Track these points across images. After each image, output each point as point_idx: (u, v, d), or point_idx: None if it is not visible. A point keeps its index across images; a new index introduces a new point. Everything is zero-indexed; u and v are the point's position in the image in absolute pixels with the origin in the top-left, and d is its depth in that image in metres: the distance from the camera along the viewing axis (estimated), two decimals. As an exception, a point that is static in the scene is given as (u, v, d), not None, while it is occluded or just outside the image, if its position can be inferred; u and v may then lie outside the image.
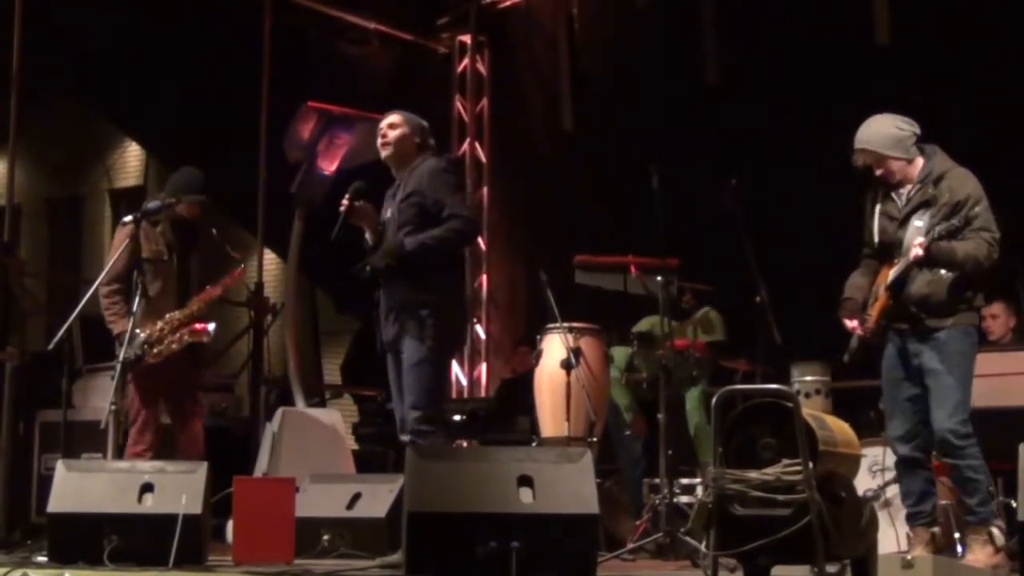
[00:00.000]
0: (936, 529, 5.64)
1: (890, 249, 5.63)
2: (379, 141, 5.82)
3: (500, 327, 10.65)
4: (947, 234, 5.39)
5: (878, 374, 5.74)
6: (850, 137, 5.72)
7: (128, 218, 6.62)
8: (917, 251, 5.42)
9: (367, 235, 5.77)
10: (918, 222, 5.52)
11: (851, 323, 5.67)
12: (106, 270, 6.62)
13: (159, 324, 6.59)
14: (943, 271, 5.50)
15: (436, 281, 5.62)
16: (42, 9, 8.70)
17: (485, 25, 10.98)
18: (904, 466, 5.68)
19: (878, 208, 5.72)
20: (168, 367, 6.62)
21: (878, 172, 5.63)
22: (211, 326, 6.69)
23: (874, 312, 5.62)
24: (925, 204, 5.56)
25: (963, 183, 5.55)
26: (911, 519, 5.68)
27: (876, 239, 5.69)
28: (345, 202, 5.68)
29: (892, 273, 5.55)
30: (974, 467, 5.49)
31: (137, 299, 6.38)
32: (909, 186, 5.64)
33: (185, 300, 6.72)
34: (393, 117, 5.83)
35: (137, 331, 6.50)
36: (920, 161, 5.63)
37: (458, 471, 4.76)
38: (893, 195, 5.68)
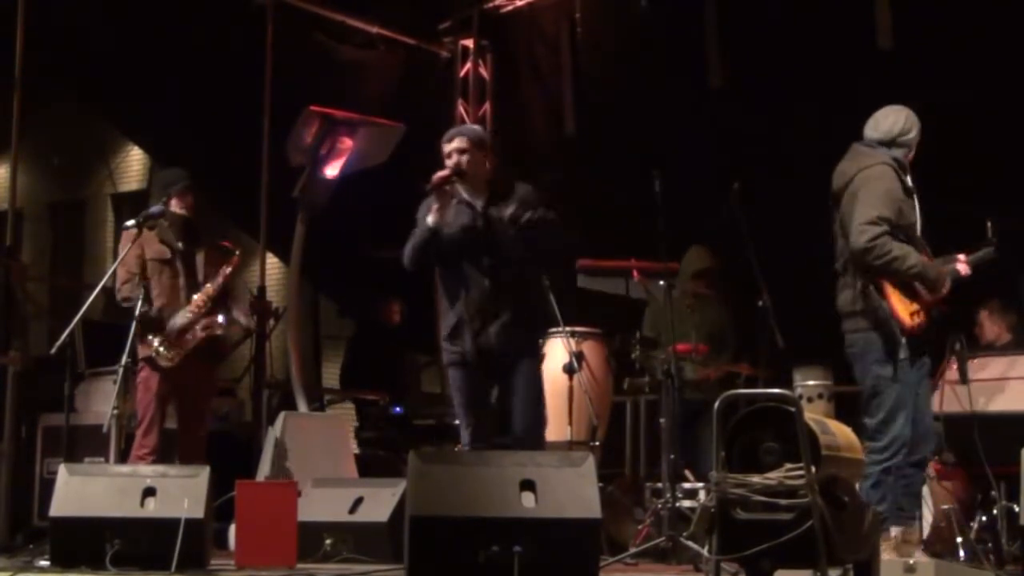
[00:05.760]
0: (895, 532, 5.61)
1: (909, 230, 5.65)
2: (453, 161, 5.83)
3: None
4: None
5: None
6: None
7: (131, 222, 6.63)
8: (966, 269, 5.69)
9: (433, 215, 5.78)
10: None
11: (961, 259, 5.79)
12: (105, 277, 6.66)
13: (167, 329, 6.61)
14: None
15: None
16: (44, 12, 8.70)
17: (487, 29, 10.97)
18: (884, 471, 5.70)
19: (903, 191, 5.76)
20: (183, 371, 6.62)
21: (910, 157, 5.77)
22: (220, 317, 6.74)
23: (926, 304, 5.64)
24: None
25: None
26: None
27: (908, 220, 5.70)
28: (449, 174, 5.78)
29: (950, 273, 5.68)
30: None
31: (140, 305, 6.40)
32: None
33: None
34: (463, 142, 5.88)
35: (150, 337, 6.53)
36: None
37: (460, 475, 4.76)
38: (905, 179, 5.73)
